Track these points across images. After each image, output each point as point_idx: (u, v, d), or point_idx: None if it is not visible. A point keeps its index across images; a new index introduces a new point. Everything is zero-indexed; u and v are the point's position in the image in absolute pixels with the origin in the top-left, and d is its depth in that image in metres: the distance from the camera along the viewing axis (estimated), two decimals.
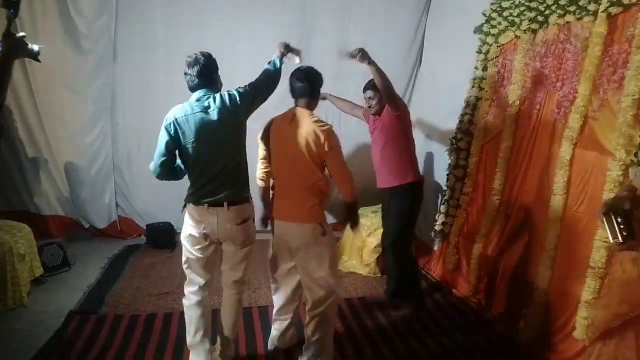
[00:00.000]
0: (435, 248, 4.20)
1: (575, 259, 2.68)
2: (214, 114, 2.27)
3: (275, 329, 2.83)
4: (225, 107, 2.29)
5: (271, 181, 2.67)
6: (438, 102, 4.44)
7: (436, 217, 4.04)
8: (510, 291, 3.21)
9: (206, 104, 2.29)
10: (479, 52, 3.74)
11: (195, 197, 2.37)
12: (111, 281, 3.76)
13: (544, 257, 2.87)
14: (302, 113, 2.41)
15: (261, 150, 2.65)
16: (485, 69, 3.69)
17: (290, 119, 2.41)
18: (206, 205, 2.33)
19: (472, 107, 3.79)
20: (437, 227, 3.98)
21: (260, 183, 2.71)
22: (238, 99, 2.34)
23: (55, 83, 4.47)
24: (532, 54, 3.19)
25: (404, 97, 5.04)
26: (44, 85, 4.46)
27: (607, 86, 2.54)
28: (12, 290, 3.20)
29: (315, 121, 2.35)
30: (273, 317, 2.85)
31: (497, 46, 3.59)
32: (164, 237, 4.73)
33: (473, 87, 3.79)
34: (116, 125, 4.81)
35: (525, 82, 3.24)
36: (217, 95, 2.33)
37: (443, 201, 3.98)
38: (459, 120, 3.88)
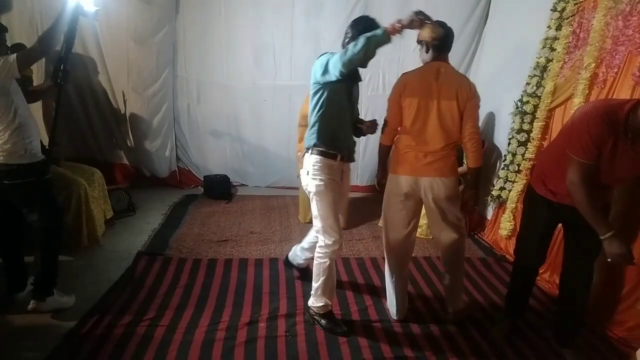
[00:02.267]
0: (489, 214, 4.14)
1: None
2: None
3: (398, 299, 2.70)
4: None
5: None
6: (504, 62, 4.26)
7: (494, 182, 3.96)
8: None
9: None
10: (554, 9, 3.53)
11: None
12: (173, 227, 3.96)
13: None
14: (447, 67, 2.39)
15: (392, 109, 2.50)
16: (559, 28, 3.49)
17: (435, 74, 2.36)
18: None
19: (541, 68, 3.61)
20: (495, 193, 3.91)
21: (387, 142, 2.60)
22: None
23: (121, 34, 4.59)
24: (615, 12, 2.98)
25: (467, 55, 4.87)
26: (110, 37, 4.60)
27: None
28: (87, 230, 3.44)
29: (461, 74, 2.47)
30: (393, 286, 2.68)
31: (575, 3, 3.38)
32: (220, 188, 4.90)
33: (544, 47, 3.60)
34: (177, 77, 4.93)
35: (604, 42, 3.05)
36: None
37: (502, 166, 3.89)
38: (526, 83, 3.73)
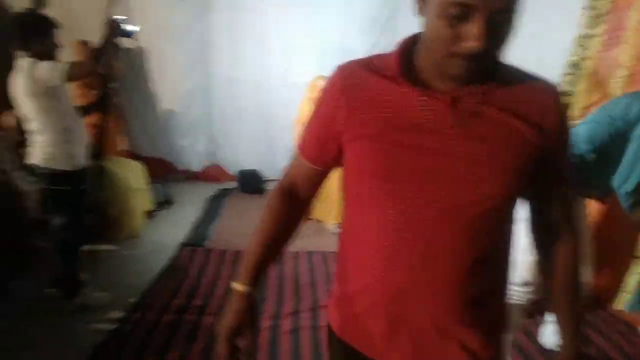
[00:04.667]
0: None
1: None
2: None
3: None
4: None
5: None
6: (537, 61, 4.26)
7: None
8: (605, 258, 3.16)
9: None
10: (587, 8, 3.53)
11: None
12: (211, 219, 4.08)
13: None
14: None
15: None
16: (592, 26, 3.50)
17: None
18: None
19: (575, 67, 3.62)
20: None
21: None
22: None
23: (157, 32, 4.72)
24: None
25: None
26: (146, 34, 4.72)
27: None
28: (129, 222, 3.58)
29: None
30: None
31: (610, 1, 3.38)
32: (253, 183, 5.01)
33: (578, 46, 3.61)
34: (211, 74, 5.05)
35: None
36: None
37: None
38: (561, 81, 3.74)
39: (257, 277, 0.97)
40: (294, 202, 0.99)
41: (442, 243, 0.81)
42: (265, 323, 2.52)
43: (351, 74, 0.86)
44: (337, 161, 0.92)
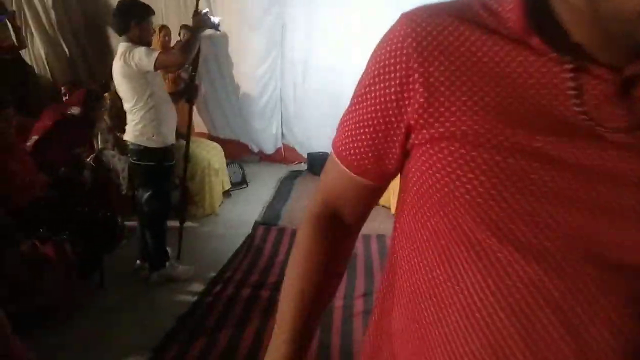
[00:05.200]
0: None
1: None
2: None
3: None
4: None
5: None
6: None
7: None
8: None
9: None
10: None
11: None
12: (283, 199, 4.19)
13: None
14: None
15: None
16: None
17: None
18: None
19: None
20: None
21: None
22: None
23: (233, 17, 4.84)
24: None
25: None
26: (224, 23, 4.86)
27: None
28: (209, 200, 3.76)
29: None
30: None
31: None
32: (322, 165, 5.04)
33: None
34: (284, 58, 5.11)
35: None
36: None
37: None
38: None
39: (304, 334, 0.60)
40: (338, 233, 0.65)
41: (601, 333, 0.44)
42: (337, 303, 2.57)
43: (434, 27, 0.48)
44: (400, 170, 0.58)
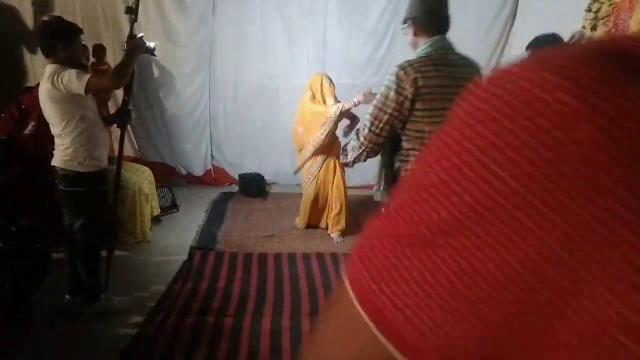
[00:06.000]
0: None
1: None
2: None
3: None
4: None
5: None
6: None
7: None
8: None
9: None
10: (588, 10, 3.65)
11: None
12: (218, 223, 4.11)
13: None
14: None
15: None
16: (594, 28, 3.62)
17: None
18: None
19: None
20: None
21: None
22: None
23: (161, 38, 4.74)
24: None
25: (492, 56, 4.98)
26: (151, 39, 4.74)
27: None
28: (140, 226, 3.60)
29: None
30: None
31: (610, 4, 3.50)
32: (254, 186, 5.04)
33: None
34: (214, 78, 5.07)
35: None
36: None
37: None
38: None
39: None
40: None
41: None
42: (285, 323, 2.57)
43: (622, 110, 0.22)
44: None
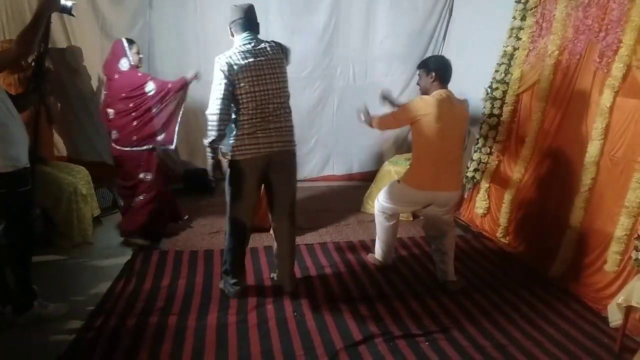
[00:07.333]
0: (465, 194, 4.41)
1: (609, 200, 2.89)
2: None
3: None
4: None
5: None
6: (473, 52, 4.51)
7: (468, 165, 4.22)
8: (541, 231, 3.45)
9: None
10: (518, 1, 3.80)
11: None
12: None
13: (578, 199, 3.08)
14: (451, 94, 2.83)
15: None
16: (523, 18, 3.76)
17: (450, 100, 2.78)
18: None
19: (508, 56, 3.89)
20: (469, 174, 4.17)
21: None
22: None
23: (93, 31, 4.53)
24: (575, 4, 3.27)
25: (433, 49, 5.11)
26: (82, 34, 4.52)
27: None
28: (78, 228, 3.44)
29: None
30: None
31: None
32: (201, 182, 4.92)
33: (510, 37, 3.88)
34: (154, 72, 4.89)
35: (566, 32, 3.34)
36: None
37: (476, 149, 4.15)
38: (495, 70, 3.99)
39: None
40: None
41: None
42: (231, 319, 2.53)
43: None
44: None
